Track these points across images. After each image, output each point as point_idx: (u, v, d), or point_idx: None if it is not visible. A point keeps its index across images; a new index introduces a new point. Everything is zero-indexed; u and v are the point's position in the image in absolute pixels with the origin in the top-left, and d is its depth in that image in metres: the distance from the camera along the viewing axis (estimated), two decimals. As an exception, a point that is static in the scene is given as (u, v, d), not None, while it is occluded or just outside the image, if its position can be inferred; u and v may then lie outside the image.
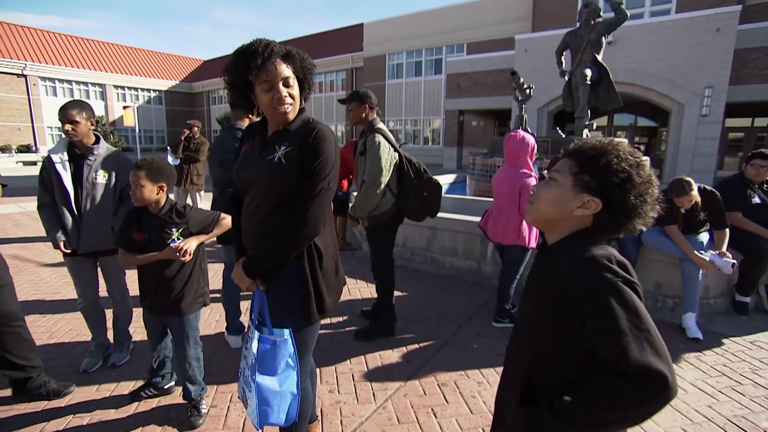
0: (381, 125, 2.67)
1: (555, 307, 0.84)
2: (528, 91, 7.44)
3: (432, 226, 4.53)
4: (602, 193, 0.87)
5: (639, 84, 12.94)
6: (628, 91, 12.80)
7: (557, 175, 0.94)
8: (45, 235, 2.29)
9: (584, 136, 6.47)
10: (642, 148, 5.03)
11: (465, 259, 4.37)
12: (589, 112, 6.45)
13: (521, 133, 2.99)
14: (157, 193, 1.83)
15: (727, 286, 3.59)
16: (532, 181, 2.87)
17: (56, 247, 2.19)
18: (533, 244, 2.98)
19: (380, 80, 23.65)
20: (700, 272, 3.13)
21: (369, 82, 23.56)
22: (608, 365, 0.78)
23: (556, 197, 0.92)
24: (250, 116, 2.32)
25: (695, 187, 3.15)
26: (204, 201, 5.72)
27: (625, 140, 0.88)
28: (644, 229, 0.88)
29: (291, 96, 1.33)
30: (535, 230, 2.99)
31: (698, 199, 3.21)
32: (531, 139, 2.96)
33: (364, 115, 2.64)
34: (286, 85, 1.31)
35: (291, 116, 1.35)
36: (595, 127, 6.70)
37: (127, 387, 2.25)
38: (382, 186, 2.59)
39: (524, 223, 2.93)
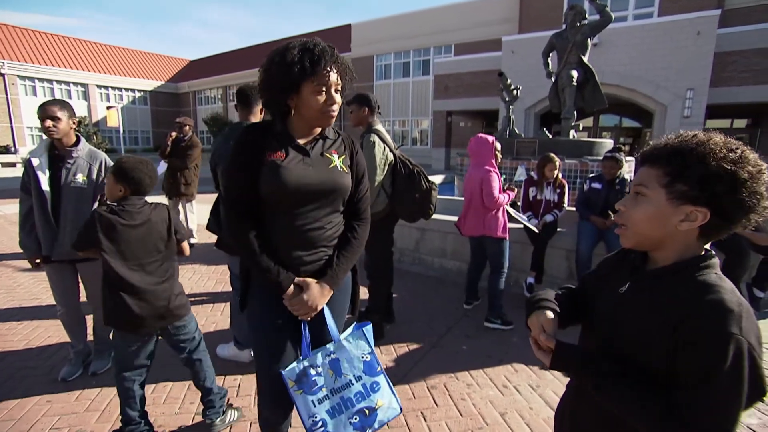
0: (379, 126, 2.73)
1: (665, 330, 0.77)
2: (515, 92, 7.52)
3: (421, 227, 4.53)
4: (708, 200, 0.76)
5: (624, 86, 13.14)
6: (613, 93, 12.99)
7: (645, 190, 0.83)
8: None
9: (571, 136, 6.54)
10: (627, 148, 5.10)
11: (454, 260, 4.38)
12: (575, 113, 6.53)
13: (482, 135, 3.18)
14: (120, 191, 1.73)
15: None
16: (493, 176, 3.05)
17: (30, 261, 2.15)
18: (504, 233, 3.13)
19: (368, 81, 23.62)
20: None
21: (357, 83, 23.46)
22: (676, 395, 0.75)
23: (652, 215, 0.81)
24: (252, 116, 2.32)
25: None
26: (193, 212, 5.21)
27: (719, 134, 0.78)
28: (759, 221, 0.78)
29: (337, 103, 1.31)
30: (503, 219, 3.12)
31: None
32: (491, 139, 3.13)
33: (364, 116, 2.72)
34: (337, 91, 1.29)
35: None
36: (581, 128, 6.80)
37: (109, 394, 2.19)
38: (376, 184, 2.62)
39: (492, 213, 3.10)
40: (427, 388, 2.36)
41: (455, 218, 4.40)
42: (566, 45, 6.37)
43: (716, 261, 0.81)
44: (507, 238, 3.13)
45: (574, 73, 6.33)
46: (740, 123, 16.31)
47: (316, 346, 1.35)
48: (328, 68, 1.23)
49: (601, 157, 5.91)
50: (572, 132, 6.59)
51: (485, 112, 18.72)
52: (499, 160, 3.25)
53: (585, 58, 6.36)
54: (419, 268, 4.50)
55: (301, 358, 1.31)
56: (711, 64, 12.35)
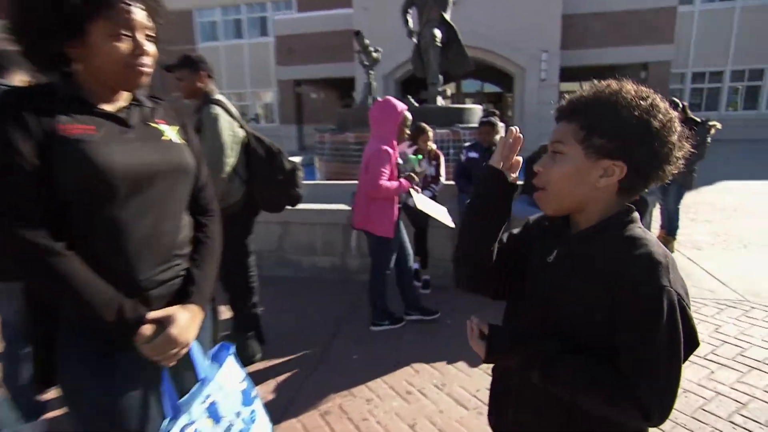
0: (220, 96, 2.61)
1: (601, 296, 0.85)
2: (375, 54, 7.78)
3: (283, 221, 4.39)
4: (623, 153, 0.85)
5: (482, 47, 14.80)
6: (473, 55, 14.52)
7: (561, 147, 0.90)
8: None
9: (438, 103, 7.08)
10: (498, 112, 5.76)
11: (326, 256, 4.39)
12: (441, 77, 7.08)
13: (390, 99, 3.08)
14: None
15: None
16: (385, 156, 2.94)
17: None
18: (387, 232, 3.06)
19: (188, 43, 21.84)
20: None
21: (173, 46, 21.52)
22: (618, 363, 0.83)
23: (571, 173, 0.89)
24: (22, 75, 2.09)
25: None
26: None
27: (630, 82, 0.89)
28: (674, 173, 0.89)
29: (151, 54, 1.12)
30: (391, 215, 3.06)
31: None
32: (399, 106, 3.02)
33: (199, 84, 2.58)
34: (149, 39, 1.11)
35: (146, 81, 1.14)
36: (449, 94, 7.43)
37: None
38: (227, 168, 2.49)
39: (377, 204, 3.03)
40: (320, 415, 2.31)
41: (322, 206, 4.37)
42: (426, 0, 6.82)
43: (637, 215, 0.91)
44: (391, 238, 3.10)
45: (438, 32, 6.83)
46: (586, 86, 19.79)
47: (179, 393, 1.17)
48: (129, 1, 1.05)
49: (473, 125, 6.56)
50: (440, 99, 7.15)
51: (341, 81, 19.06)
52: (406, 137, 3.16)
53: (447, 16, 6.91)
54: (286, 270, 4.43)
55: (169, 419, 1.10)
56: (560, 26, 14.74)
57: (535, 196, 0.95)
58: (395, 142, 3.03)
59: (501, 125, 4.51)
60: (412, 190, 3.18)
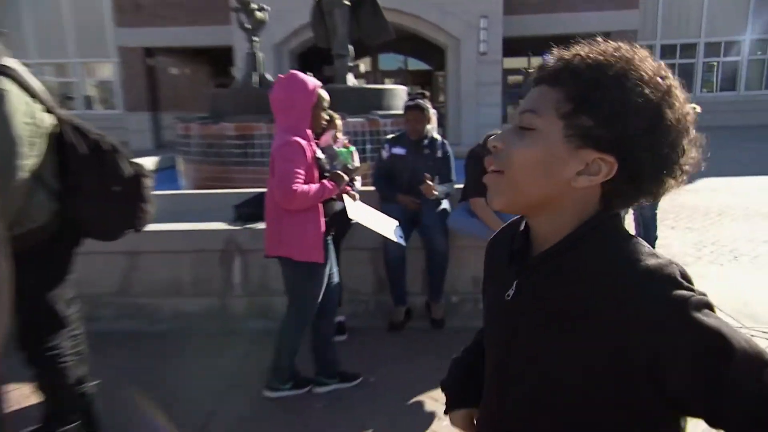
0: (9, 62, 2.43)
1: (597, 354, 0.82)
2: (260, 13, 7.68)
3: (129, 250, 4.18)
4: (618, 146, 0.83)
5: (405, 10, 15.24)
6: (393, 21, 14.85)
7: (534, 119, 0.88)
8: None
9: (349, 83, 7.13)
10: (428, 93, 5.78)
11: (198, 297, 4.27)
12: (351, 48, 7.13)
13: (297, 74, 3.07)
14: None
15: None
16: (295, 149, 2.92)
17: None
18: (310, 255, 3.04)
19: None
20: None
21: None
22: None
23: (540, 159, 0.86)
24: None
25: None
26: None
27: (646, 50, 0.90)
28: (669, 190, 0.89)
29: None
30: (315, 232, 3.03)
31: None
32: (310, 83, 3.03)
33: None
34: None
35: None
36: (363, 71, 7.51)
37: None
38: (22, 173, 2.33)
39: (292, 217, 3.00)
40: None
41: (190, 226, 4.23)
42: (327, -57, 6.88)
43: (620, 214, 0.91)
44: (321, 263, 3.06)
45: (345, -13, 6.89)
46: (536, 62, 20.92)
47: None
48: None
49: (395, 111, 6.62)
50: (350, 77, 7.20)
51: (213, 51, 18.72)
52: (324, 123, 3.12)
53: (357, -35, 7.01)
54: (136, 321, 4.27)
55: None
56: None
57: (485, 178, 0.93)
58: (309, 132, 3.04)
59: (433, 111, 4.62)
60: (345, 197, 3.17)
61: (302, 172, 2.91)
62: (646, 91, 0.82)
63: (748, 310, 4.23)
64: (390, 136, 4.72)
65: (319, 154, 3.13)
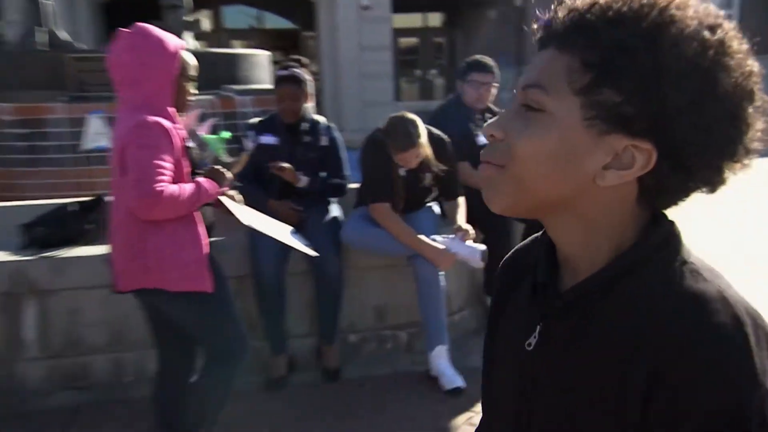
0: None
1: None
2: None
3: None
4: (657, 128, 0.81)
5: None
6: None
7: (542, 97, 0.86)
8: None
9: (188, 45, 6.92)
10: (307, 61, 5.63)
11: None
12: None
13: (152, 29, 2.90)
14: None
15: (472, 287, 4.65)
16: (153, 133, 2.78)
17: None
18: (196, 284, 2.95)
19: None
20: (440, 274, 3.91)
21: None
22: None
23: (551, 150, 0.86)
24: None
25: (424, 130, 3.91)
26: None
27: None
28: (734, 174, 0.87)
29: None
30: (202, 245, 2.98)
31: (429, 150, 4.00)
32: (170, 42, 2.90)
33: None
34: None
35: None
36: (203, 28, 7.34)
37: None
38: None
39: (157, 231, 2.89)
40: None
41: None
42: None
43: (680, 232, 0.90)
44: (209, 294, 2.97)
45: None
46: (435, 19, 21.60)
47: None
48: None
49: (259, 85, 6.48)
50: (188, 37, 7.00)
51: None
52: (187, 102, 3.00)
53: None
54: None
55: None
56: None
57: (480, 171, 0.94)
58: (173, 111, 2.91)
59: (310, 82, 4.54)
60: (225, 200, 3.09)
61: (168, 165, 2.77)
62: (690, 50, 0.80)
63: None
64: (254, 120, 4.65)
65: (190, 142, 3.05)
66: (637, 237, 0.89)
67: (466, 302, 4.59)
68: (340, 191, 4.39)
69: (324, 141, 4.30)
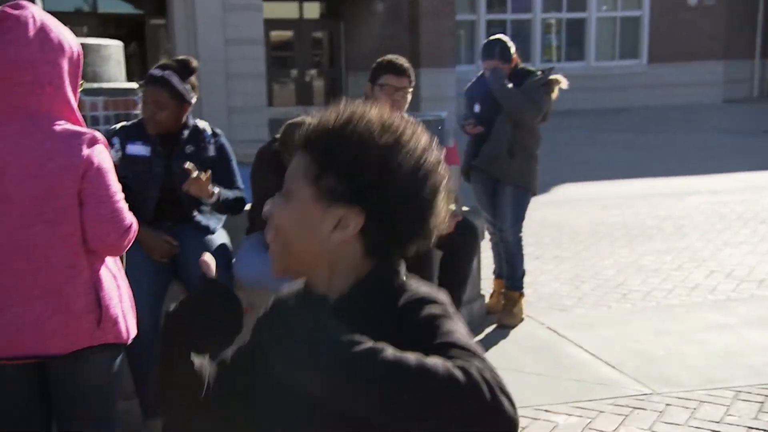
0: None
1: None
2: None
3: None
4: (358, 196, 1.25)
5: None
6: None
7: (291, 183, 1.33)
8: None
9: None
10: (195, 63, 5.30)
11: None
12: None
13: (27, 3, 2.59)
14: None
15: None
16: (105, 152, 2.70)
17: None
18: (126, 333, 2.84)
19: None
20: None
21: None
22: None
23: (299, 221, 1.31)
24: None
25: None
26: None
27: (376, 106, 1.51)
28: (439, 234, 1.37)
29: None
30: (125, 302, 2.87)
31: None
32: (68, 39, 2.71)
33: None
34: None
35: None
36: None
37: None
38: None
39: (100, 278, 2.74)
40: None
41: None
42: None
43: (402, 265, 1.34)
44: (122, 344, 2.87)
45: None
46: (313, 10, 21.63)
47: None
48: None
49: (112, 84, 6.25)
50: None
51: None
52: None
53: None
54: None
55: None
56: None
57: (268, 240, 1.37)
58: (80, 118, 2.75)
59: (193, 94, 4.35)
60: None
61: (112, 184, 2.68)
62: (376, 138, 1.25)
63: (660, 373, 4.52)
64: (120, 124, 4.35)
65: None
66: (362, 276, 1.31)
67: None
68: (240, 205, 4.20)
69: (211, 151, 4.13)
